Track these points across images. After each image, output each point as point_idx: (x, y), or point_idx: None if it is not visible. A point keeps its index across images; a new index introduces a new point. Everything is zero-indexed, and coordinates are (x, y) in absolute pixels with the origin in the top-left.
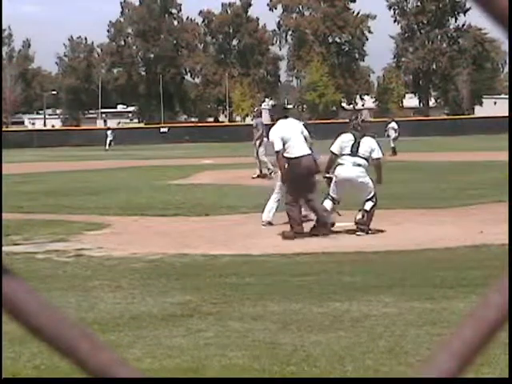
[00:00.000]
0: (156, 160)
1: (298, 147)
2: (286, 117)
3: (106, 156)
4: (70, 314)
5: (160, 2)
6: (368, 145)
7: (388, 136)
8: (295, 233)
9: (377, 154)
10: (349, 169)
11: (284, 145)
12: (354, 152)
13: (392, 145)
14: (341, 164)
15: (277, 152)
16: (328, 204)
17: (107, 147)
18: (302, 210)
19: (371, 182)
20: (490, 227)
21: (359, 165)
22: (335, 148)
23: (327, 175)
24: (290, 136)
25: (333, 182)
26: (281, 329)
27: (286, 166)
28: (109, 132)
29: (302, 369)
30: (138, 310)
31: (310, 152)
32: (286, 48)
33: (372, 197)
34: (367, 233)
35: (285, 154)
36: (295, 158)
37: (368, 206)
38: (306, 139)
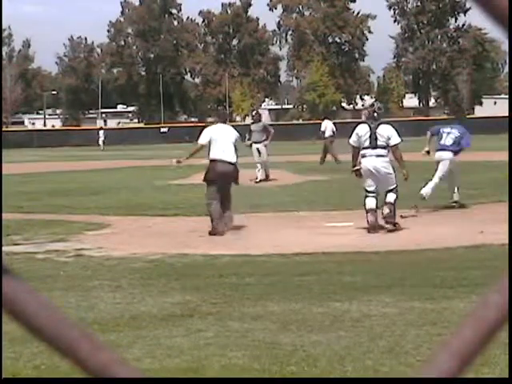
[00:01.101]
0: (156, 160)
1: (220, 151)
2: (224, 122)
3: (106, 156)
4: (70, 314)
5: (160, 1)
6: (385, 133)
7: None
8: (213, 232)
9: (394, 140)
10: (372, 160)
11: (210, 145)
12: (374, 144)
13: None
14: (363, 156)
15: (200, 144)
16: (369, 202)
17: (102, 147)
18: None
19: (394, 174)
20: (489, 227)
21: (382, 155)
22: (353, 141)
23: (354, 168)
24: (217, 139)
25: (362, 174)
26: (281, 329)
27: (208, 165)
28: (101, 132)
29: (302, 369)
30: (138, 310)
31: (231, 160)
32: (286, 48)
33: (394, 188)
34: (394, 225)
35: (210, 155)
36: (214, 160)
37: (391, 198)
38: (235, 148)
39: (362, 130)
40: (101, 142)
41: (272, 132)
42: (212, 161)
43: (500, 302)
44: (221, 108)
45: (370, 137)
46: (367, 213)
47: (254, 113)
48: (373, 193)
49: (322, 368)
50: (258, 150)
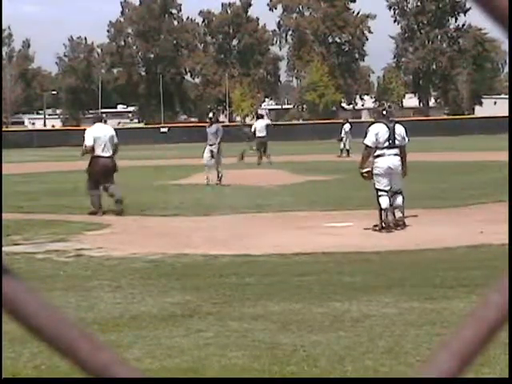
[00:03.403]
0: (156, 160)
1: (101, 149)
2: (104, 122)
3: None
4: (70, 314)
5: (160, 1)
6: (401, 132)
7: (341, 138)
8: (93, 213)
9: (406, 139)
10: (391, 159)
11: (94, 143)
12: (393, 143)
13: (346, 147)
14: (381, 155)
15: (86, 146)
16: (385, 201)
17: None
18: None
19: None
20: (489, 227)
21: (398, 154)
22: (370, 141)
23: (364, 170)
24: (98, 138)
25: (375, 174)
26: (281, 329)
27: (90, 161)
28: None
29: (302, 369)
30: (137, 310)
31: (109, 155)
32: (286, 48)
33: (400, 189)
34: (404, 224)
35: (94, 152)
36: (96, 156)
37: (401, 200)
38: (113, 143)
39: (381, 130)
40: None
41: (219, 139)
42: (95, 157)
43: (500, 302)
44: (95, 112)
45: (389, 136)
46: (383, 211)
47: (209, 116)
48: (387, 192)
49: (321, 368)
50: (211, 151)
